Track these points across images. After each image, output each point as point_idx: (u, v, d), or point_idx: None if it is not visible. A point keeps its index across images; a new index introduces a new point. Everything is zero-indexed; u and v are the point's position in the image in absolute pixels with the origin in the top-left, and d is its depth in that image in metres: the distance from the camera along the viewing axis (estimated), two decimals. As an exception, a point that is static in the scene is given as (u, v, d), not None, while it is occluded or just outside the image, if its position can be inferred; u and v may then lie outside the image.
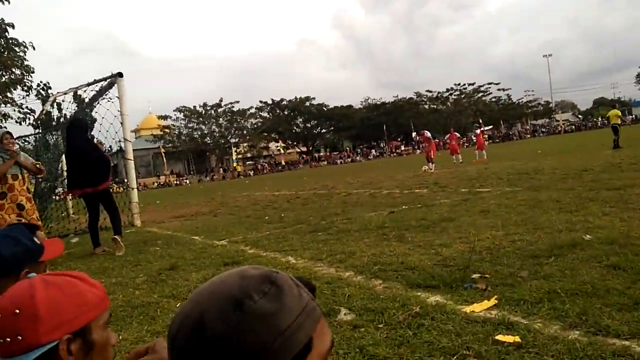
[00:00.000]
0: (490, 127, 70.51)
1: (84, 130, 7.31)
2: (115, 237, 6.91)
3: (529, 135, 65.12)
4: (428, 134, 19.89)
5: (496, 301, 3.01)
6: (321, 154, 79.47)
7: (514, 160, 17.91)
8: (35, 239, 1.77)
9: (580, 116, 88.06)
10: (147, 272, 5.24)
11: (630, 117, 69.71)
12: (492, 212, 6.42)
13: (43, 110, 14.33)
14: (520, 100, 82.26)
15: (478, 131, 25.98)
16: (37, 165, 6.42)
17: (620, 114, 18.84)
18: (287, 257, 5.20)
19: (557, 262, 3.69)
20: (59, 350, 0.96)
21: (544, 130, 67.85)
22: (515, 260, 3.89)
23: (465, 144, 58.91)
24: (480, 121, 39.45)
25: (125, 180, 10.99)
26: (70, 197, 14.70)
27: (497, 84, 77.41)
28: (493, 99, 79.44)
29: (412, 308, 3.04)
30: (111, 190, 7.66)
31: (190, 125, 68.06)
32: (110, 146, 10.34)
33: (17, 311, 0.95)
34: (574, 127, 68.63)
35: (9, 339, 0.95)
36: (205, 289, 0.66)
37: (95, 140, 7.90)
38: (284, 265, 4.77)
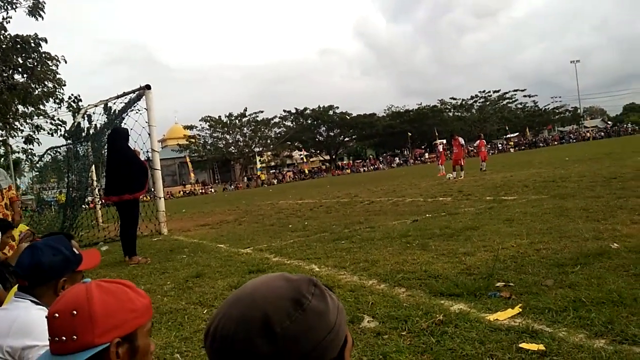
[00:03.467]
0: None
1: (125, 139, 7.44)
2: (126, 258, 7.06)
3: (556, 142, 63.87)
4: (462, 140, 19.26)
5: (520, 309, 3.01)
6: (344, 162, 79.45)
7: (540, 167, 17.63)
8: (75, 250, 1.86)
9: (609, 122, 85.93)
10: (174, 280, 5.36)
11: (663, 122, 67.83)
12: (517, 220, 6.36)
13: (74, 122, 14.78)
14: (547, 107, 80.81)
15: (440, 147, 24.72)
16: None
17: None
18: (311, 264, 5.26)
19: (583, 270, 3.65)
20: (109, 353, 1.04)
21: (572, 137, 66.43)
22: (540, 268, 3.86)
23: (491, 152, 58.14)
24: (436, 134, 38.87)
25: (153, 190, 11.20)
26: (100, 206, 15.09)
27: (522, 90, 76.20)
28: (519, 106, 78.25)
29: (436, 316, 3.06)
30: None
31: (215, 134, 69.04)
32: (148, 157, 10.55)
33: (75, 312, 1.03)
34: (603, 133, 67.04)
35: (64, 338, 1.03)
36: (255, 293, 0.72)
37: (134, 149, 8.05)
38: (308, 273, 4.81)
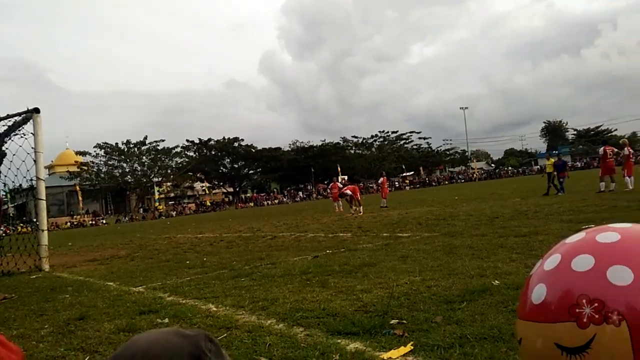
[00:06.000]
0: (412, 173, 74.02)
1: None
2: None
3: (447, 182, 68.72)
4: (339, 184, 22.63)
5: (412, 347, 3.11)
6: (248, 195, 78.83)
7: (432, 205, 18.77)
8: None
9: (492, 165, 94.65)
10: (53, 323, 4.88)
11: (537, 167, 75.95)
12: (411, 257, 6.66)
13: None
14: (439, 149, 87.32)
15: (339, 183, 26.10)
16: None
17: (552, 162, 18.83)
18: (208, 304, 5.06)
19: (468, 307, 3.89)
20: None
21: (460, 177, 71.99)
22: (430, 305, 4.05)
23: (389, 189, 60.99)
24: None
25: (35, 221, 10.25)
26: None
27: (418, 132, 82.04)
28: (414, 147, 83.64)
29: (332, 356, 3.07)
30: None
31: (111, 162, 65.43)
32: (20, 184, 9.68)
33: None
34: (487, 175, 73.49)
35: None
36: (152, 349, 0.66)
37: None
38: (205, 314, 4.63)
